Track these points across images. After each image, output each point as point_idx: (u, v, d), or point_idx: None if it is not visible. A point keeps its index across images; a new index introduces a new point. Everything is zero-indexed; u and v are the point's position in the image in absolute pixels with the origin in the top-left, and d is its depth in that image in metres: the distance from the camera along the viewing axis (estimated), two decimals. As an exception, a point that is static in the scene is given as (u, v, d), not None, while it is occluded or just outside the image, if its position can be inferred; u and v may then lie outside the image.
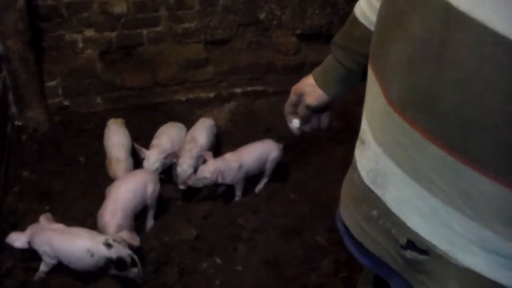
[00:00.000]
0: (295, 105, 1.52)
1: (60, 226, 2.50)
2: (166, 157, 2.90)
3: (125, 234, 2.47)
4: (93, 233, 2.44)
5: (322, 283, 2.54)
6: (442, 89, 0.87)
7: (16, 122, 3.32)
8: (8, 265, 2.52)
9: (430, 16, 0.88)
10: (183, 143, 3.01)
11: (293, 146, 3.20)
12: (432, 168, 0.93)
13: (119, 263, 2.32)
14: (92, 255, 2.32)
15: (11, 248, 2.55)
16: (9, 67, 3.15)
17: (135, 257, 2.34)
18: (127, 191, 2.60)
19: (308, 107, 1.47)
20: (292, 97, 1.51)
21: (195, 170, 2.87)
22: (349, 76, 1.40)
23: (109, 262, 2.32)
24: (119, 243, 2.35)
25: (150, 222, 2.75)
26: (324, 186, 3.02)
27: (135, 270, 2.35)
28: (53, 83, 3.43)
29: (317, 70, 1.48)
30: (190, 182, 2.81)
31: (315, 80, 1.46)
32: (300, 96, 1.48)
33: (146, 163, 2.87)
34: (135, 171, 2.87)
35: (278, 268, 2.61)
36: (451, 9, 0.84)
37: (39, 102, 3.33)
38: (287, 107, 1.55)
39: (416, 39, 0.91)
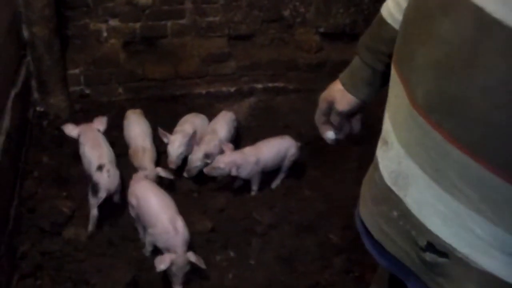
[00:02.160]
0: (326, 114, 1.44)
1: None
2: (189, 140, 2.91)
3: None
4: None
5: (334, 281, 2.54)
6: (470, 95, 0.87)
7: (38, 108, 3.36)
8: (24, 248, 2.55)
9: (461, 20, 0.87)
10: (203, 134, 3.02)
11: (310, 143, 3.19)
12: (455, 172, 0.93)
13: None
14: None
15: (27, 232, 2.60)
16: (33, 53, 3.19)
17: None
18: None
19: (341, 113, 1.40)
20: (322, 106, 1.43)
21: (208, 160, 2.89)
22: (377, 77, 1.36)
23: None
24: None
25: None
26: (340, 185, 3.01)
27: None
28: (76, 71, 3.46)
29: (344, 74, 1.43)
30: (205, 170, 2.84)
31: (343, 84, 1.40)
32: (331, 103, 1.41)
33: (170, 148, 2.89)
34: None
35: (291, 264, 2.61)
36: (484, 15, 0.83)
37: (61, 89, 3.36)
38: (319, 117, 1.46)
39: (445, 43, 0.90)
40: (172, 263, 2.33)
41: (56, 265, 2.50)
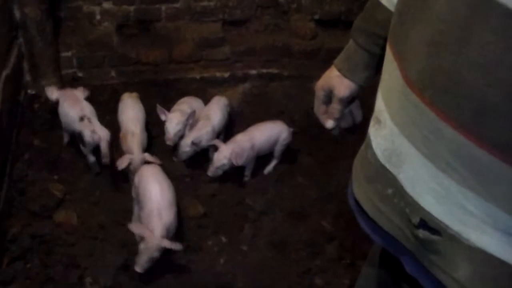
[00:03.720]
0: (324, 102, 1.42)
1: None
2: (187, 118, 2.92)
3: None
4: None
5: (325, 267, 2.54)
6: (464, 72, 0.86)
7: (29, 91, 3.33)
8: (14, 230, 2.53)
9: None
10: (197, 119, 3.01)
11: (304, 130, 3.18)
12: (448, 149, 0.93)
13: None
14: None
15: (17, 215, 2.58)
16: (25, 35, 3.15)
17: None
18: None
19: (341, 100, 1.38)
20: (319, 94, 1.41)
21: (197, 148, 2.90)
22: (373, 60, 1.34)
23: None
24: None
25: None
26: (333, 172, 3.01)
27: None
28: (68, 53, 3.42)
29: (339, 59, 1.40)
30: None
31: (339, 70, 1.38)
32: (328, 91, 1.39)
33: (168, 125, 2.89)
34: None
35: (283, 250, 2.61)
36: None
37: (53, 72, 3.32)
38: (318, 107, 1.44)
39: (440, 21, 0.90)
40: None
41: (46, 249, 2.48)
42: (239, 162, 2.78)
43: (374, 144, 1.13)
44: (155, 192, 2.45)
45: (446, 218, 0.98)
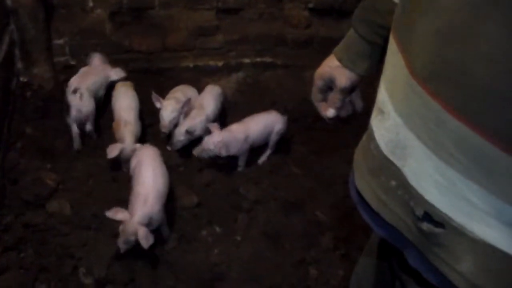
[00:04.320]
0: (323, 91, 1.41)
1: None
2: (182, 106, 2.92)
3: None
4: None
5: (320, 258, 2.54)
6: (470, 63, 0.86)
7: (21, 78, 3.30)
8: (7, 220, 2.51)
9: None
10: (190, 108, 3.00)
11: (298, 120, 3.18)
12: (453, 141, 0.93)
13: None
14: None
15: (9, 204, 2.56)
16: (17, 22, 3.12)
17: None
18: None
19: (342, 90, 1.37)
20: (319, 83, 1.40)
21: (192, 137, 2.90)
22: (374, 50, 1.33)
23: None
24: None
25: None
26: (327, 162, 3.01)
27: None
28: (61, 41, 3.39)
29: (339, 48, 1.39)
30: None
31: (339, 59, 1.37)
32: (327, 80, 1.38)
33: (163, 112, 2.89)
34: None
35: (277, 240, 2.60)
36: None
37: (46, 59, 3.30)
38: (316, 95, 1.42)
39: (446, 11, 0.89)
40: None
41: (40, 238, 2.47)
42: (222, 152, 2.77)
43: (377, 136, 1.12)
44: (147, 178, 2.43)
45: (450, 211, 0.98)
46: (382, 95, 1.11)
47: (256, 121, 2.94)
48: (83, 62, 3.45)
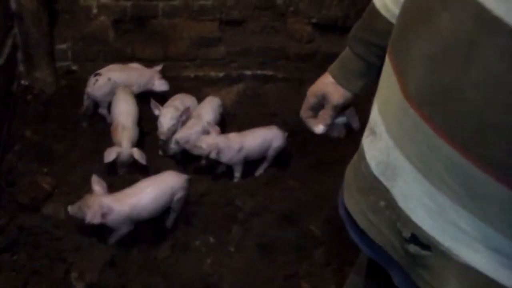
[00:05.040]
0: (314, 108, 1.41)
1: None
2: (181, 114, 2.93)
3: None
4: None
5: (312, 272, 2.54)
6: (464, 90, 0.86)
7: (22, 82, 3.31)
8: (2, 222, 2.51)
9: (461, 15, 0.86)
10: (188, 117, 3.01)
11: (297, 133, 3.18)
12: (444, 167, 0.93)
13: None
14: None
15: (5, 206, 2.56)
16: (21, 26, 3.14)
17: None
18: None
19: (334, 107, 1.37)
20: (311, 100, 1.40)
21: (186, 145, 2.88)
22: (369, 70, 1.34)
23: None
24: None
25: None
26: (324, 177, 3.01)
27: None
28: (64, 46, 3.41)
29: (334, 66, 1.40)
30: (187, 146, 2.83)
31: (334, 77, 1.37)
32: (320, 97, 1.38)
33: (162, 119, 2.89)
34: (164, 174, 2.65)
35: (271, 253, 2.60)
36: (483, 11, 0.82)
37: (48, 64, 3.31)
38: (305, 112, 1.43)
39: (443, 37, 0.89)
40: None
41: (33, 241, 2.47)
42: (212, 155, 2.78)
43: (368, 156, 1.13)
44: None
45: (437, 234, 0.98)
46: (375, 115, 1.11)
47: (254, 134, 2.95)
48: (85, 67, 3.47)
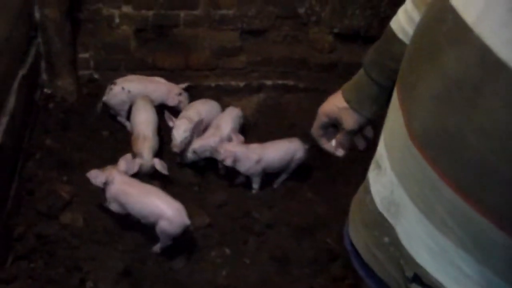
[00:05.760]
0: (325, 127, 1.42)
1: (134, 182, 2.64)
2: (195, 126, 2.92)
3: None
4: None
5: (328, 286, 2.52)
6: (468, 136, 0.84)
7: (45, 90, 3.35)
8: (20, 230, 2.53)
9: (466, 56, 0.84)
10: (208, 125, 3.02)
11: (316, 145, 3.15)
12: (446, 210, 0.91)
13: None
14: None
15: (24, 214, 2.59)
16: (44, 35, 3.18)
17: None
18: None
19: (349, 132, 1.39)
20: (323, 120, 1.40)
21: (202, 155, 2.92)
22: (384, 94, 1.31)
23: None
24: None
25: None
26: (342, 190, 2.97)
27: None
28: (86, 55, 3.45)
29: (348, 89, 1.38)
30: (207, 153, 2.85)
31: (348, 101, 1.36)
32: (333, 119, 1.38)
33: (175, 132, 2.89)
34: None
35: (286, 265, 2.59)
36: (489, 54, 0.80)
37: (70, 72, 3.35)
38: (316, 130, 1.44)
39: (449, 78, 0.87)
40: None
41: (50, 249, 2.49)
42: (228, 162, 2.79)
43: (373, 190, 1.11)
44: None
45: (440, 276, 0.96)
46: (381, 148, 1.10)
47: (276, 147, 2.93)
48: (107, 76, 3.50)
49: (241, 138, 2.91)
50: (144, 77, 3.35)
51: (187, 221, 2.45)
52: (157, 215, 2.45)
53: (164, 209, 2.45)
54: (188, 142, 2.91)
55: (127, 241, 2.59)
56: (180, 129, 2.88)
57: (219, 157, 2.80)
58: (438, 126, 0.89)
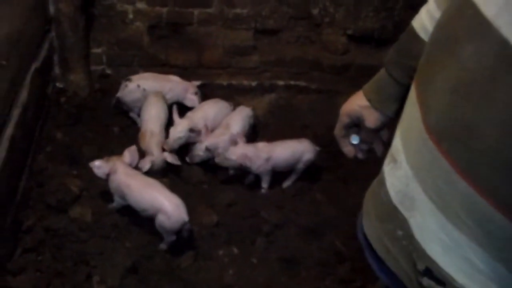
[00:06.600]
0: (347, 127, 1.42)
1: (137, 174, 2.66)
2: (191, 131, 2.91)
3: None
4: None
5: (335, 288, 2.50)
6: (483, 127, 0.84)
7: (57, 84, 3.37)
8: (29, 222, 2.54)
9: (485, 49, 0.84)
10: (218, 123, 3.02)
11: (327, 146, 3.14)
12: (460, 203, 0.91)
13: None
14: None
15: (33, 206, 2.60)
16: (58, 29, 3.20)
17: None
18: None
19: (372, 131, 1.39)
20: (345, 120, 1.40)
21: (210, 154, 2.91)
22: (405, 93, 1.27)
23: None
24: None
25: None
26: (352, 192, 2.97)
27: None
28: (99, 50, 3.46)
29: (369, 88, 1.39)
30: (216, 160, 2.83)
31: (369, 100, 1.36)
32: (355, 118, 1.39)
33: (172, 129, 2.90)
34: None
35: (294, 266, 2.57)
36: (508, 47, 0.80)
37: (83, 67, 3.36)
38: (340, 131, 1.44)
39: (466, 70, 0.87)
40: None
41: (58, 243, 2.49)
42: (247, 164, 2.78)
43: (388, 184, 1.11)
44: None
45: (452, 270, 0.96)
46: (397, 142, 1.10)
47: (284, 146, 2.92)
48: (119, 72, 3.50)
49: (244, 138, 2.89)
50: (159, 75, 3.35)
51: (185, 217, 2.45)
52: (156, 209, 2.46)
53: (164, 204, 2.45)
54: (180, 144, 2.90)
55: (135, 237, 2.58)
56: (177, 128, 2.89)
57: (235, 163, 2.79)
58: (454, 118, 0.89)
